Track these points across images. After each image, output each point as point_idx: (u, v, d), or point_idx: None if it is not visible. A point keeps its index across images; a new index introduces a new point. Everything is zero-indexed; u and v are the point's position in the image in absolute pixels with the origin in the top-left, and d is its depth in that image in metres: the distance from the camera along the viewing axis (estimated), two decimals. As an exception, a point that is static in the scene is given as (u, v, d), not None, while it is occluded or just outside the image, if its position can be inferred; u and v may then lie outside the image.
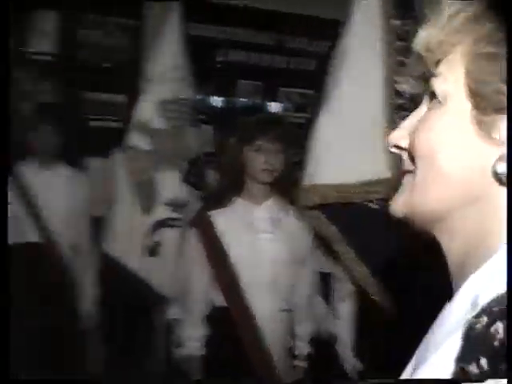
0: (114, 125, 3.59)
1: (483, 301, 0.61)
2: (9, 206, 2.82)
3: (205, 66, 3.62)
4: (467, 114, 0.67)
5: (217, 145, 2.48)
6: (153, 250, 3.07)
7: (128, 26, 3.72)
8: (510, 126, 0.69)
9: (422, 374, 0.70)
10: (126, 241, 3.18)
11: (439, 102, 0.70)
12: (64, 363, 2.91)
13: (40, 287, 2.84)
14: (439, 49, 0.70)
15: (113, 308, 3.22)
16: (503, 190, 0.69)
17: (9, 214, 2.89)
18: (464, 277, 0.71)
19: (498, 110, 0.68)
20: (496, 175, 0.69)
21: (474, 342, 0.59)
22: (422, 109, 0.75)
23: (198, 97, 3.42)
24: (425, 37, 0.72)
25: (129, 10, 3.65)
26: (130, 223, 3.20)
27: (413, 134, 0.73)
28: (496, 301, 0.60)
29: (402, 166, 0.76)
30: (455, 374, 0.62)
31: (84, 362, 3.14)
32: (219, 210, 2.43)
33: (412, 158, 0.74)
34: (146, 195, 3.17)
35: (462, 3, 0.66)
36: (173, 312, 2.78)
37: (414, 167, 0.73)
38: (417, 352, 0.78)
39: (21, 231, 3.03)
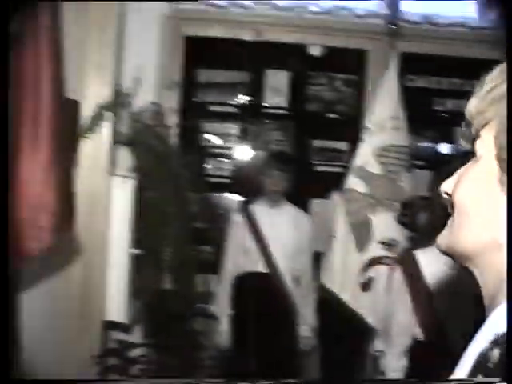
0: (335, 169, 3.77)
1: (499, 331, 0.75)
2: (243, 239, 3.20)
3: (420, 114, 3.74)
4: (495, 173, 0.79)
5: (431, 189, 2.59)
6: (366, 285, 3.24)
7: (350, 81, 3.94)
8: (510, 126, 0.80)
9: None
10: (342, 275, 3.38)
11: (477, 161, 0.84)
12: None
13: (265, 311, 3.09)
14: (480, 116, 0.84)
15: (328, 335, 3.41)
16: None
17: (243, 247, 3.22)
18: (495, 308, 0.83)
19: None
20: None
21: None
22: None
23: (413, 144, 3.51)
24: (470, 105, 0.87)
25: (351, 66, 3.88)
26: (346, 259, 3.39)
27: (456, 184, 0.87)
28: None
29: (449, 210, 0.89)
30: None
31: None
32: (425, 249, 2.50)
33: (452, 204, 0.87)
34: (362, 234, 3.35)
35: (499, 79, 0.81)
36: (378, 344, 2.85)
37: (453, 211, 0.87)
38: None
39: (252, 261, 3.34)
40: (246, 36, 3.78)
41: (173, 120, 3.72)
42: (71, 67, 2.59)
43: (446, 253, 0.94)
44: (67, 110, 2.21)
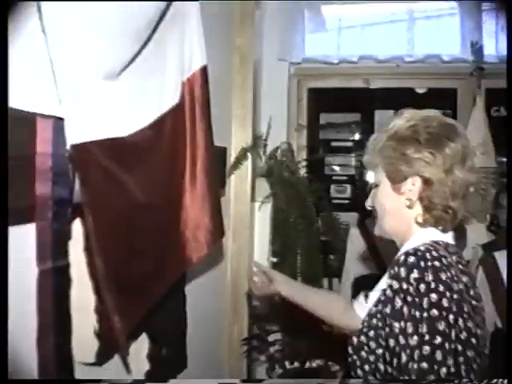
0: None
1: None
2: (359, 248, 3.36)
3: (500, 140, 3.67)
4: (390, 192, 1.42)
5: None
6: None
7: (445, 114, 3.95)
8: (509, 126, 1.07)
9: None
10: None
11: (377, 185, 1.43)
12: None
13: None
14: (371, 163, 1.50)
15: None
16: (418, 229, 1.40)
17: (360, 254, 3.39)
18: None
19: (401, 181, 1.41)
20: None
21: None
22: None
23: (498, 164, 3.53)
24: (364, 159, 1.54)
25: (446, 102, 3.93)
26: None
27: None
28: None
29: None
30: None
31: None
32: (502, 251, 2.59)
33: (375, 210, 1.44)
34: (459, 241, 3.42)
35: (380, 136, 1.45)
36: None
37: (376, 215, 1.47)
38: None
39: (365, 267, 3.44)
40: (357, 84, 3.95)
41: (301, 155, 3.97)
42: (220, 121, 2.72)
43: (379, 236, 1.49)
44: (217, 154, 2.40)
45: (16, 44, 1.17)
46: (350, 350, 1.44)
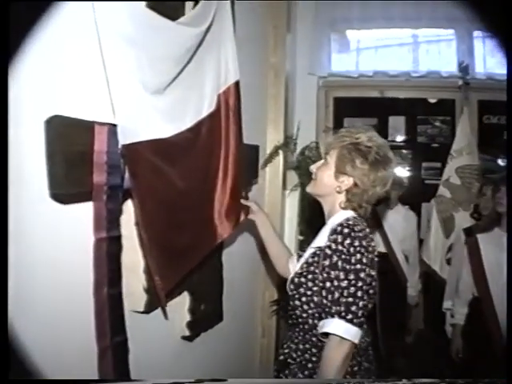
0: (433, 182, 3.81)
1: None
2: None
3: (490, 143, 3.73)
4: (333, 170, 1.55)
5: (492, 193, 2.68)
6: (449, 260, 3.31)
7: (445, 121, 3.98)
8: (509, 125, 1.08)
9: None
10: (435, 253, 3.49)
11: (327, 163, 1.55)
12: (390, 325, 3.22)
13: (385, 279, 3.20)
14: (329, 145, 1.62)
15: (426, 292, 3.53)
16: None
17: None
18: (330, 218, 1.60)
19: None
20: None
21: None
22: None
23: (482, 162, 3.54)
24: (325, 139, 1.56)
25: (446, 110, 3.92)
26: (437, 243, 3.49)
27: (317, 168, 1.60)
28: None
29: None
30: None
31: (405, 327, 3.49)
32: (483, 235, 2.63)
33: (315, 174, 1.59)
34: (448, 226, 3.42)
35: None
36: (449, 302, 2.95)
37: (315, 178, 1.60)
38: None
39: (376, 245, 3.49)
40: (373, 94, 3.96)
41: (327, 152, 4.02)
42: (257, 124, 2.91)
43: (312, 194, 1.71)
44: (250, 151, 2.45)
45: (79, 65, 1.29)
46: (291, 286, 1.66)
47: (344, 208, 1.62)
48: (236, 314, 2.59)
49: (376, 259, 1.56)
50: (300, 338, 1.65)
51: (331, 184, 1.63)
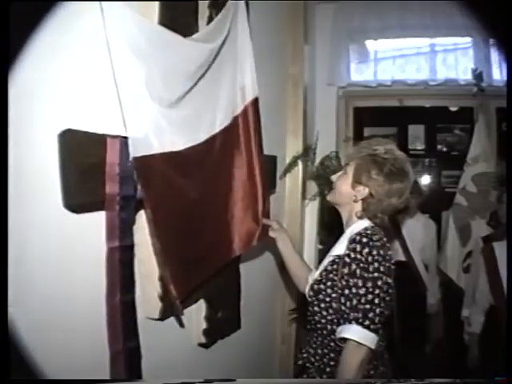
0: (453, 190, 3.70)
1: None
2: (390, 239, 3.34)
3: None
4: (351, 180, 1.55)
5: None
6: (466, 269, 3.25)
7: (464, 128, 3.94)
8: (509, 125, 1.08)
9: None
10: (452, 262, 3.42)
11: (345, 174, 1.57)
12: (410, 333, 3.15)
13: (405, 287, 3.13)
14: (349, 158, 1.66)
15: (446, 301, 3.46)
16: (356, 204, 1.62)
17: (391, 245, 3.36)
18: (348, 227, 1.62)
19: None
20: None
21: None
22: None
23: (501, 169, 3.45)
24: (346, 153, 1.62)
25: (464, 120, 3.88)
26: (454, 251, 3.43)
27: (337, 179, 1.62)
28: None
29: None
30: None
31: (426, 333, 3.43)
32: (500, 242, 2.59)
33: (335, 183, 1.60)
34: (464, 234, 3.36)
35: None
36: (466, 310, 2.89)
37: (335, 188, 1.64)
38: None
39: (396, 254, 3.22)
40: (393, 103, 3.96)
41: (347, 162, 4.01)
42: (276, 135, 2.91)
43: (331, 202, 1.72)
44: (268, 162, 2.39)
45: (91, 79, 1.33)
46: (311, 293, 1.70)
47: (360, 217, 1.66)
48: (255, 321, 2.60)
49: (393, 267, 1.59)
50: (318, 343, 1.69)
51: (348, 193, 1.67)
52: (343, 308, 1.55)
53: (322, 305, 1.65)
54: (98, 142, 1.25)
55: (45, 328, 1.14)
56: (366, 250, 1.54)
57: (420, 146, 4.09)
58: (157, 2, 1.54)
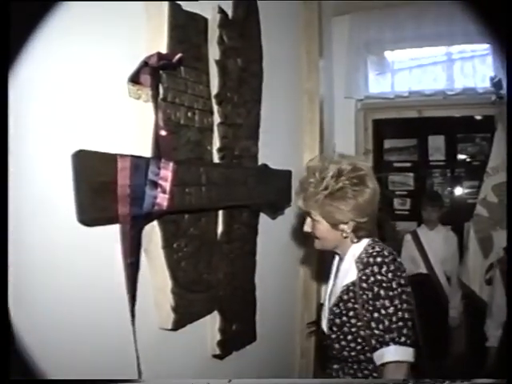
0: (475, 201, 3.63)
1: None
2: (411, 252, 3.34)
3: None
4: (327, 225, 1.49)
5: None
6: (489, 281, 3.23)
7: (485, 138, 3.92)
8: (509, 125, 1.04)
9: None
10: (474, 274, 3.40)
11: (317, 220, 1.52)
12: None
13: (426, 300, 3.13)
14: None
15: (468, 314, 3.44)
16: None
17: (412, 257, 3.34)
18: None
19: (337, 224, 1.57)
20: None
21: None
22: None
23: None
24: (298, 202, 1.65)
25: (484, 129, 3.85)
26: (475, 264, 3.40)
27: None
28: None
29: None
30: None
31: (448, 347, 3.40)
32: None
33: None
34: (486, 246, 3.35)
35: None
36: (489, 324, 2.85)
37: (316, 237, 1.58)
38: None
39: (417, 266, 3.45)
40: (412, 115, 3.98)
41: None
42: (293, 149, 2.98)
43: (320, 249, 1.70)
44: (283, 177, 2.51)
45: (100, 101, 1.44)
46: (334, 328, 1.65)
47: (357, 241, 1.63)
48: (271, 334, 2.63)
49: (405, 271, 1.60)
50: (350, 375, 1.65)
51: (335, 235, 1.63)
52: (376, 332, 1.52)
53: (349, 337, 1.60)
54: (109, 161, 1.34)
55: (45, 328, 1.20)
56: (384, 269, 1.51)
57: (441, 157, 4.10)
58: (165, 26, 1.63)
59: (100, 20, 1.37)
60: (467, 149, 4.01)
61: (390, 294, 1.50)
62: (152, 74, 1.52)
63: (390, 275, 1.51)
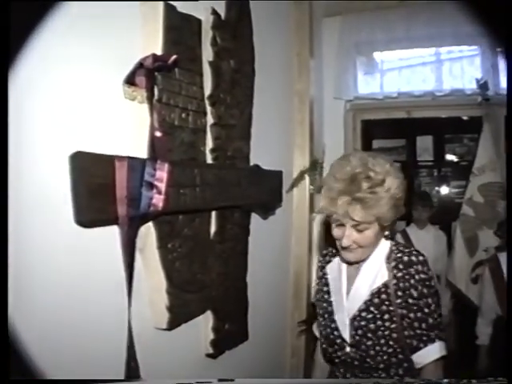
0: (461, 201, 3.70)
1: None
2: None
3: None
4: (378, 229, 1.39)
5: None
6: (474, 280, 3.28)
7: (473, 139, 3.96)
8: (509, 124, 1.05)
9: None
10: (460, 273, 3.45)
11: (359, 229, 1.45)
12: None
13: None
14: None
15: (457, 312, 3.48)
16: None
17: None
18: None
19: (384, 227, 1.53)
20: None
21: None
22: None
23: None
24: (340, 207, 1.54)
25: (472, 129, 3.90)
26: (462, 263, 3.45)
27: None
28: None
29: None
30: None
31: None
32: (504, 253, 2.62)
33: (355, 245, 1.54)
34: (472, 245, 3.40)
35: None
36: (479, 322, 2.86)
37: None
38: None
39: None
40: (401, 115, 4.01)
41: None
42: (284, 150, 3.00)
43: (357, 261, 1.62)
44: (274, 177, 2.53)
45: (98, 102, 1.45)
46: (369, 335, 1.59)
47: (387, 237, 1.63)
48: (263, 333, 2.65)
49: None
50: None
51: (378, 239, 1.59)
52: (418, 332, 1.52)
53: (382, 341, 1.57)
54: (107, 162, 1.35)
55: (44, 328, 1.21)
56: (426, 267, 1.55)
57: (429, 158, 4.18)
58: (160, 27, 1.63)
59: (95, 21, 1.37)
60: (455, 149, 4.10)
61: (432, 291, 1.54)
62: (147, 75, 1.52)
63: (430, 273, 1.55)
